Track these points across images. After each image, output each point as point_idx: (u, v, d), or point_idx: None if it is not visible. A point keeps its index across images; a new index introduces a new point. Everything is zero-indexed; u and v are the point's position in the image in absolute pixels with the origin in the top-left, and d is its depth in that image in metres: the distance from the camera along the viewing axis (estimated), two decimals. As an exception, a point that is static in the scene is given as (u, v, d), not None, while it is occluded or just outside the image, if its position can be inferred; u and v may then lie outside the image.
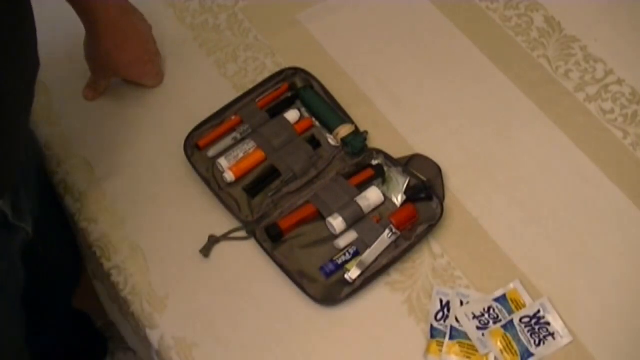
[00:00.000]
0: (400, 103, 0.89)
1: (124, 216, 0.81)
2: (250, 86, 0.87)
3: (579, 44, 0.93)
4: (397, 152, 0.83)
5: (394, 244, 0.77)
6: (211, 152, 0.83)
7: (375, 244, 0.76)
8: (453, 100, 0.90)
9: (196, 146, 0.83)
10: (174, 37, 0.94)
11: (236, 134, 0.84)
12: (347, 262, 0.76)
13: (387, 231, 0.77)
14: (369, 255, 0.76)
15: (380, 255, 0.76)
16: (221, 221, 0.80)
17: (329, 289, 0.75)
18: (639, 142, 0.85)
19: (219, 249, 0.79)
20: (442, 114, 0.89)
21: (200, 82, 0.91)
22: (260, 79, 0.88)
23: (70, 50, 0.88)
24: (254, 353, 0.74)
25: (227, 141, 0.83)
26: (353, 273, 0.75)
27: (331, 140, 0.84)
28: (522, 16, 0.96)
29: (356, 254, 0.76)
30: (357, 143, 0.83)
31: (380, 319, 0.75)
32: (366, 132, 0.84)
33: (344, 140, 0.83)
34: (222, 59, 0.92)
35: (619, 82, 0.90)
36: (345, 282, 0.75)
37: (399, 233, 0.77)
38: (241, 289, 0.77)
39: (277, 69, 0.89)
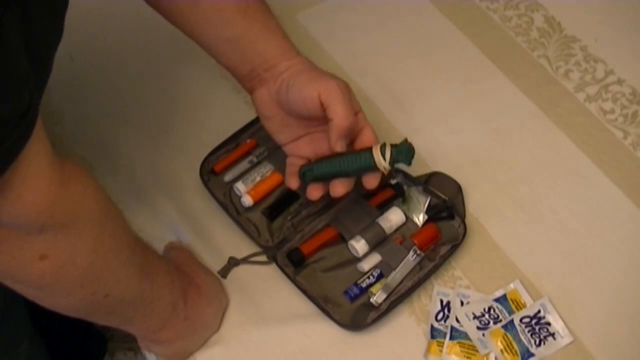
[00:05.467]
0: (400, 103, 0.89)
1: (129, 216, 0.81)
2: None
3: (579, 44, 0.93)
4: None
5: (419, 266, 0.76)
6: (227, 177, 0.81)
7: (400, 266, 0.75)
8: (453, 100, 0.90)
9: (212, 171, 0.81)
10: (174, 36, 0.93)
11: (252, 157, 0.82)
12: (371, 285, 0.75)
13: (411, 252, 0.75)
14: (395, 278, 0.75)
15: (405, 277, 0.75)
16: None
17: (355, 313, 0.74)
18: (639, 142, 0.85)
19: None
20: (442, 113, 0.89)
21: (201, 82, 0.91)
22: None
23: (70, 50, 0.88)
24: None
25: (244, 165, 0.82)
26: (379, 297, 0.74)
27: None
28: (522, 16, 0.96)
29: (380, 276, 0.75)
30: (406, 157, 0.68)
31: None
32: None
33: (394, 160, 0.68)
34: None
35: (619, 82, 0.90)
36: (371, 306, 0.74)
37: (422, 254, 0.76)
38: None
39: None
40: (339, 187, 0.69)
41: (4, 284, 0.56)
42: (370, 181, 0.69)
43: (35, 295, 0.58)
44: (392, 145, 0.67)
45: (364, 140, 0.69)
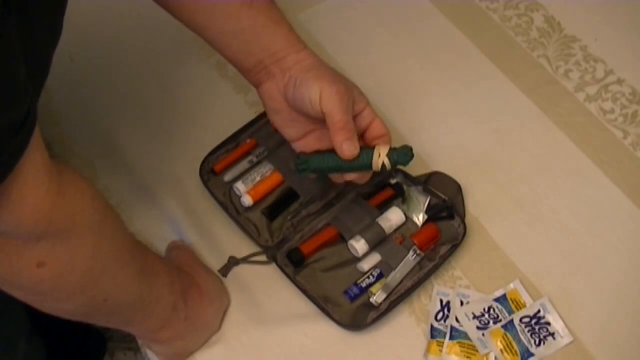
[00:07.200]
0: (400, 103, 0.89)
1: (131, 215, 0.81)
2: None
3: (579, 44, 0.93)
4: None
5: (419, 266, 0.76)
6: (227, 177, 0.81)
7: (400, 266, 0.75)
8: (453, 100, 0.90)
9: (212, 171, 0.81)
10: (174, 36, 0.94)
11: (252, 157, 0.82)
12: (371, 285, 0.75)
13: (411, 252, 0.75)
14: (395, 278, 0.75)
15: (405, 277, 0.75)
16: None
17: (355, 313, 0.74)
18: (639, 142, 0.85)
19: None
20: (442, 114, 0.89)
21: (201, 82, 0.91)
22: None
23: (70, 50, 0.88)
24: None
25: (244, 165, 0.82)
26: (379, 297, 0.74)
27: None
28: (522, 16, 0.96)
29: (380, 276, 0.75)
30: (404, 162, 0.67)
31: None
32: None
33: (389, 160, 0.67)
34: (223, 61, 0.92)
35: (619, 82, 0.90)
36: (371, 306, 0.74)
37: (422, 254, 0.76)
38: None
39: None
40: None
41: (2, 289, 0.56)
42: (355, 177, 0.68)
43: (34, 300, 0.58)
44: (392, 149, 0.66)
45: (374, 132, 0.68)
